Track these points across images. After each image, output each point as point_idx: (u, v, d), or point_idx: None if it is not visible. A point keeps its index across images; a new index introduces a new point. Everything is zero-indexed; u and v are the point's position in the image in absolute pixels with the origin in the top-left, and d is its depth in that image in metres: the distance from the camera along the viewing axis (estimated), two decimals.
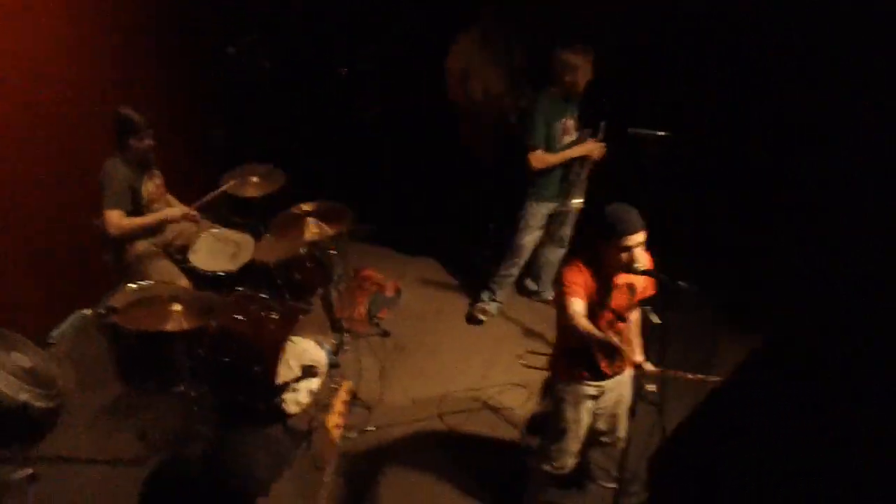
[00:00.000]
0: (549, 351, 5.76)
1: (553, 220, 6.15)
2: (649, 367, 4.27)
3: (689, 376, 4.18)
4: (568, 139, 5.78)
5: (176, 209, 5.58)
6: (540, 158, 5.71)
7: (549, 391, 4.52)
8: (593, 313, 4.03)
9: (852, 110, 6.14)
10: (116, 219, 5.26)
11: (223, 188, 5.75)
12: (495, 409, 5.64)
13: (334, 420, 3.70)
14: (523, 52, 6.54)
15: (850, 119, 6.16)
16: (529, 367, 5.93)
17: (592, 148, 5.74)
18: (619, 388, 4.39)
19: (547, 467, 4.56)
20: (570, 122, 5.77)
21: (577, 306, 3.94)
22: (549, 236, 6.29)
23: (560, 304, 4.03)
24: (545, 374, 5.74)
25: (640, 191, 5.09)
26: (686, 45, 6.69)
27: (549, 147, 5.73)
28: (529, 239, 6.17)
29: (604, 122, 5.70)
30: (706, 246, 6.53)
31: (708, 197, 6.75)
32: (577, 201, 5.94)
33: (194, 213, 5.63)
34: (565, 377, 4.31)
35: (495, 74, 6.42)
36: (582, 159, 5.81)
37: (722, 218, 6.76)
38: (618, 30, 6.90)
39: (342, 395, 3.81)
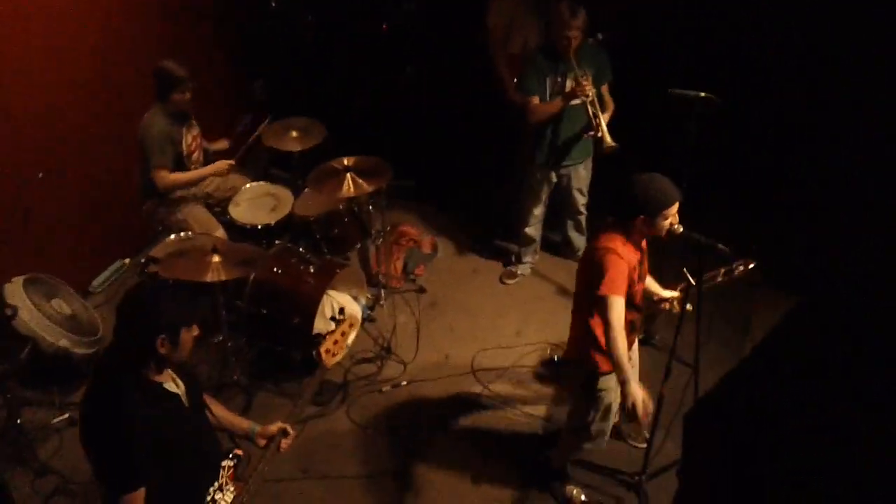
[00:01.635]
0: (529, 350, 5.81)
1: (559, 189, 6.10)
2: (672, 293, 4.33)
3: (717, 278, 4.25)
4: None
5: (222, 163, 5.61)
6: (533, 109, 5.61)
7: (586, 386, 4.28)
8: (632, 288, 4.00)
9: (858, 108, 6.10)
10: (163, 176, 5.35)
11: (257, 133, 5.80)
12: (529, 368, 5.66)
13: (327, 345, 3.79)
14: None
15: (855, 116, 6.12)
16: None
17: (574, 91, 5.44)
18: (636, 350, 4.44)
19: (589, 446, 4.56)
20: (564, 83, 5.55)
21: (618, 308, 3.85)
22: (563, 207, 6.29)
23: (602, 302, 3.86)
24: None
25: (682, 153, 5.08)
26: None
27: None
28: (534, 202, 6.14)
29: (573, 59, 5.43)
30: (742, 206, 6.50)
31: (716, 186, 6.71)
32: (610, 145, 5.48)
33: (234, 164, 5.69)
34: (608, 366, 4.14)
35: (535, 29, 6.34)
36: (581, 112, 5.57)
37: (758, 179, 6.72)
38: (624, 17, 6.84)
39: (343, 327, 3.88)
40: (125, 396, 3.11)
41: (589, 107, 5.46)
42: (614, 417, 4.46)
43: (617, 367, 3.85)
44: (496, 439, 5.15)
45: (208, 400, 3.62)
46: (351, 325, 3.95)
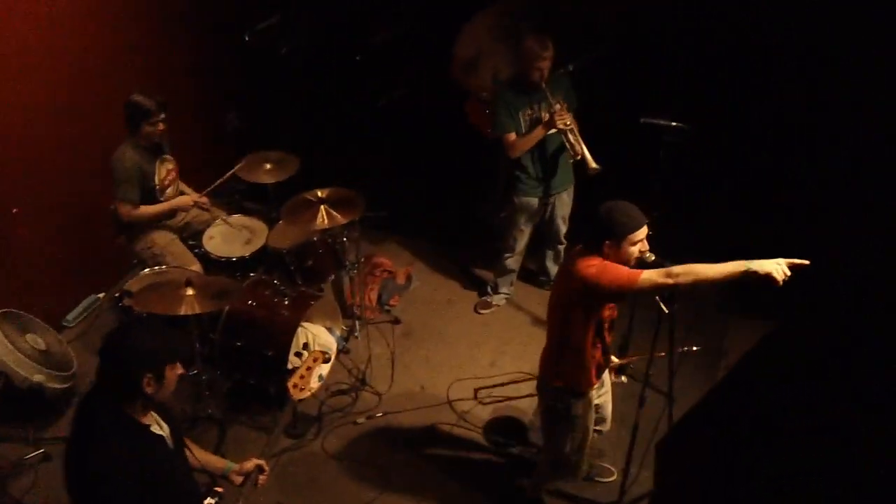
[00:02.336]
0: (503, 380, 5.76)
1: (543, 218, 6.13)
2: (616, 360, 4.37)
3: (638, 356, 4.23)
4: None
5: (186, 197, 5.67)
6: (512, 144, 5.66)
7: (556, 412, 4.28)
8: (601, 315, 3.99)
9: (858, 108, 6.16)
10: (127, 210, 5.36)
11: (232, 171, 5.82)
12: (503, 398, 5.66)
13: (294, 379, 3.78)
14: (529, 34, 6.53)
15: (855, 116, 6.18)
16: (487, 403, 5.72)
17: (553, 119, 5.52)
18: (607, 375, 4.46)
19: (572, 478, 4.58)
20: (537, 115, 5.64)
21: (644, 273, 3.73)
22: (545, 236, 6.31)
23: (634, 288, 3.75)
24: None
25: (653, 181, 5.14)
26: (689, 40, 6.73)
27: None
28: (519, 233, 6.15)
29: (546, 88, 5.54)
30: (712, 233, 6.56)
31: (716, 187, 6.79)
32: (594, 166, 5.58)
33: (205, 199, 5.70)
34: (584, 388, 4.18)
35: (504, 60, 6.42)
36: (560, 140, 5.67)
37: (729, 206, 6.80)
38: (625, 18, 6.93)
39: (308, 360, 3.88)
40: (111, 439, 3.09)
41: (569, 134, 5.55)
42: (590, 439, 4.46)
43: (727, 273, 3.64)
44: (472, 469, 5.15)
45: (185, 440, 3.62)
46: (315, 360, 3.94)
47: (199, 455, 3.67)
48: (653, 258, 3.87)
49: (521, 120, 5.66)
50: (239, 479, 3.70)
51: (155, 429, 3.29)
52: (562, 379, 4.19)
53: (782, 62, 6.60)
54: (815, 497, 2.14)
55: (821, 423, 2.15)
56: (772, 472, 2.22)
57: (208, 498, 3.60)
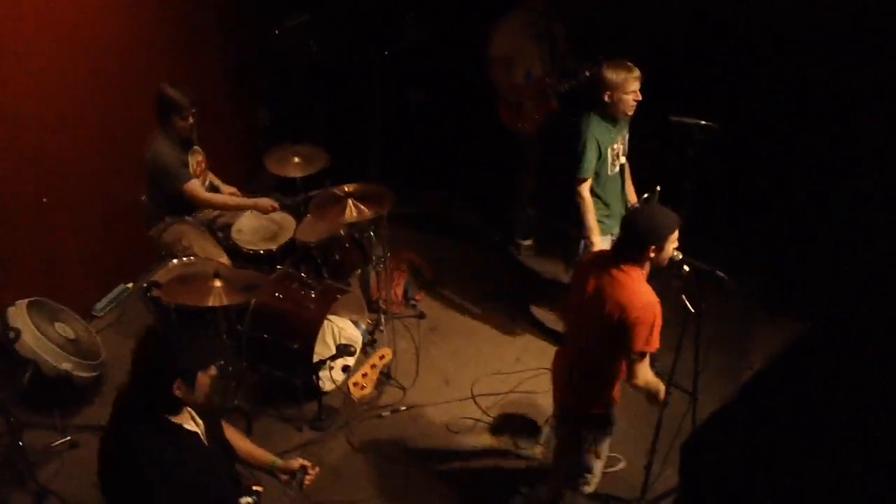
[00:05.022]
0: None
1: None
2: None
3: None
4: (618, 164, 5.47)
5: (267, 201, 5.70)
6: (583, 198, 5.38)
7: (585, 425, 4.26)
8: None
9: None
10: (196, 189, 5.45)
11: (311, 194, 5.88)
12: (527, 394, 5.68)
13: (356, 377, 3.69)
14: (563, 34, 6.50)
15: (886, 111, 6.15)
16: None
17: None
18: None
19: (586, 488, 4.51)
20: (620, 147, 5.42)
21: (646, 370, 4.00)
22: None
23: (636, 364, 3.95)
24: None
25: (682, 179, 5.13)
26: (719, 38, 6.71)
27: (600, 174, 5.40)
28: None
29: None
30: (740, 233, 6.54)
31: (743, 185, 6.78)
32: None
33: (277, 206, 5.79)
34: (616, 402, 4.20)
35: (536, 57, 6.41)
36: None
37: (757, 206, 6.77)
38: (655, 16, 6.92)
39: (374, 359, 3.79)
40: (143, 445, 3.11)
41: None
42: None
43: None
44: (496, 464, 5.17)
45: (228, 432, 3.60)
46: (382, 357, 3.84)
47: (242, 447, 3.66)
48: (680, 257, 3.90)
49: (609, 156, 5.37)
50: (285, 477, 3.68)
51: (189, 426, 3.29)
52: (603, 396, 4.18)
53: (787, 80, 6.57)
54: (842, 499, 2.13)
55: (849, 426, 2.15)
56: (799, 476, 2.22)
57: (246, 497, 3.54)
